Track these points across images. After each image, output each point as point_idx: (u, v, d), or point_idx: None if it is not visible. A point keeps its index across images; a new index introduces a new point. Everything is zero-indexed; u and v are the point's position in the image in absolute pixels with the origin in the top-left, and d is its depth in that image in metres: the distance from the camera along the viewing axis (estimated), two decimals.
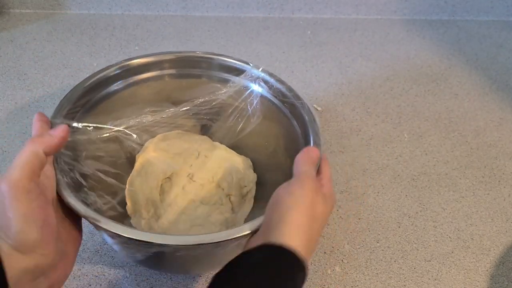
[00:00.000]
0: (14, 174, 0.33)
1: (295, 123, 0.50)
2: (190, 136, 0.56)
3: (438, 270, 0.52)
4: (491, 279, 0.51)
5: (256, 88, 0.52)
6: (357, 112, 0.71)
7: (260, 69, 0.52)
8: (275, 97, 0.52)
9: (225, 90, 0.52)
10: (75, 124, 0.45)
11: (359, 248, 0.53)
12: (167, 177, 0.51)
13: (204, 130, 0.57)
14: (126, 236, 0.36)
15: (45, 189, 0.36)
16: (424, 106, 0.73)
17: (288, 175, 0.40)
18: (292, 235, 0.34)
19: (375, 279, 0.51)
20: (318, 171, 0.41)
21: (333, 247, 0.53)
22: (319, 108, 0.71)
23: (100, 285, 0.48)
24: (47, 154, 0.36)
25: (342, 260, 0.52)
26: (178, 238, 0.38)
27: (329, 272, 0.51)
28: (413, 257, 0.53)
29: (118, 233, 0.36)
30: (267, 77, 0.52)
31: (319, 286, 0.50)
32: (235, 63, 0.53)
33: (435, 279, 0.51)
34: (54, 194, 0.38)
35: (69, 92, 0.48)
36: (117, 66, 0.53)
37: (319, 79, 0.76)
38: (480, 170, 0.64)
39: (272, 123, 0.52)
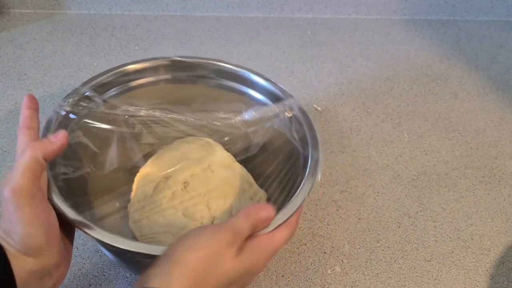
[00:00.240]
0: (16, 180, 0.33)
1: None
2: (202, 143, 0.54)
3: (438, 270, 0.52)
4: (491, 279, 0.51)
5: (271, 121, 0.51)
6: (357, 112, 0.71)
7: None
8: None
9: (241, 118, 0.52)
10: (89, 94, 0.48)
11: (359, 248, 0.53)
12: (166, 177, 0.51)
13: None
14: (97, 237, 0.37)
15: (45, 192, 0.37)
16: (424, 106, 0.73)
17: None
18: (175, 274, 0.31)
19: (375, 279, 0.51)
20: (278, 228, 0.37)
21: (333, 247, 0.53)
22: (319, 108, 0.71)
23: (100, 285, 0.48)
24: (46, 160, 0.36)
25: (342, 260, 0.52)
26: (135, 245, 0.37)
27: (329, 272, 0.51)
28: (413, 257, 0.53)
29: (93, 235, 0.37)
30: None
31: (319, 286, 0.50)
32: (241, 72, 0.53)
33: (435, 279, 0.51)
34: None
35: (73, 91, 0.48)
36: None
37: (319, 79, 0.76)
38: (480, 170, 0.64)
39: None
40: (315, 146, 0.45)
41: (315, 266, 0.51)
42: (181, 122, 0.53)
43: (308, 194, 0.41)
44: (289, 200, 0.41)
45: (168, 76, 0.54)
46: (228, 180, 0.50)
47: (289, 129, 0.49)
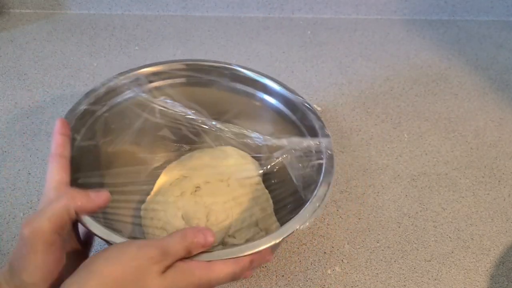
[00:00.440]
0: (40, 223, 0.32)
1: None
2: (238, 156, 0.54)
3: (438, 270, 0.52)
4: (491, 279, 0.51)
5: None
6: (357, 112, 0.71)
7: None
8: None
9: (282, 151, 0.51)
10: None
11: (359, 248, 0.53)
12: (184, 176, 0.52)
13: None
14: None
15: (64, 242, 0.35)
16: (424, 106, 0.73)
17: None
18: (90, 285, 0.30)
19: (375, 279, 0.51)
20: (222, 261, 0.35)
21: (333, 247, 0.53)
22: (319, 108, 0.71)
23: None
24: (78, 214, 0.35)
25: (342, 260, 0.52)
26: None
27: (329, 272, 0.51)
28: (413, 257, 0.53)
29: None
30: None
31: (319, 286, 0.50)
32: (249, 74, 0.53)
33: (435, 279, 0.51)
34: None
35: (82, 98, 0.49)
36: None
37: (319, 79, 0.76)
38: (480, 170, 0.64)
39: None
40: (320, 198, 0.41)
41: (315, 266, 0.51)
42: (209, 128, 0.52)
43: (283, 239, 0.38)
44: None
45: (183, 80, 0.54)
46: (239, 200, 0.49)
47: (298, 170, 0.49)
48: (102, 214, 0.44)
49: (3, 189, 0.55)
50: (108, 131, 0.50)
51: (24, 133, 0.63)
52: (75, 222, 0.37)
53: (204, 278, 0.33)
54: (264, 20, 0.89)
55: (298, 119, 0.51)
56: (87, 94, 0.48)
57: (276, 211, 0.51)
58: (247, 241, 0.46)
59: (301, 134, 0.50)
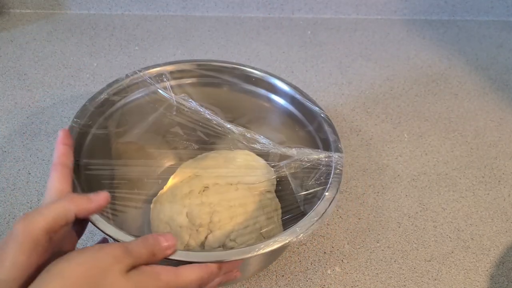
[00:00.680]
0: (35, 221, 0.32)
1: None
2: (253, 161, 0.53)
3: (438, 270, 0.52)
4: (491, 279, 0.51)
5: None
6: (357, 112, 0.71)
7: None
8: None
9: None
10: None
11: (359, 248, 0.53)
12: (196, 175, 0.52)
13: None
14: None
15: (54, 249, 0.34)
16: (424, 106, 0.73)
17: None
18: (53, 286, 0.29)
19: (375, 279, 0.51)
20: (190, 266, 0.35)
21: (333, 247, 0.53)
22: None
23: None
24: (77, 217, 0.34)
25: (342, 260, 0.52)
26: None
27: (329, 272, 0.51)
28: (413, 257, 0.53)
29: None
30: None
31: (319, 286, 0.50)
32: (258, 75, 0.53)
33: (435, 279, 0.51)
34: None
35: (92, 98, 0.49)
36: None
37: (319, 79, 0.76)
38: (480, 170, 0.64)
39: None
40: (319, 213, 0.40)
41: (315, 266, 0.51)
42: (223, 130, 0.52)
43: (253, 256, 0.36)
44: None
45: (205, 80, 0.54)
46: (245, 205, 0.49)
47: (300, 181, 0.48)
48: (110, 205, 0.45)
49: (3, 189, 0.55)
50: (123, 122, 0.51)
51: (24, 133, 0.63)
52: (75, 236, 0.38)
53: (172, 282, 0.33)
54: (264, 20, 0.89)
55: (314, 129, 0.50)
56: (110, 84, 0.49)
57: (283, 220, 0.51)
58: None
59: (314, 145, 0.49)
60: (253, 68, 0.54)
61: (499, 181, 0.62)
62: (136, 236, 0.36)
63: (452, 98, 0.75)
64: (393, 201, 0.59)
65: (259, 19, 0.89)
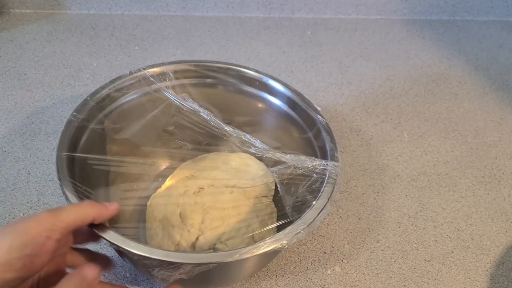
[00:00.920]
0: (61, 215, 0.33)
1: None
2: (251, 165, 0.53)
3: (438, 270, 0.52)
4: (491, 279, 0.51)
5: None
6: (357, 112, 0.71)
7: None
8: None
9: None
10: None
11: (359, 248, 0.53)
12: (193, 175, 0.52)
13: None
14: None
15: (57, 251, 0.35)
16: (424, 106, 0.73)
17: None
18: None
19: (375, 279, 0.51)
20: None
21: (333, 247, 0.53)
22: (319, 108, 0.70)
23: None
24: (93, 222, 0.36)
25: (342, 260, 0.52)
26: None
27: (329, 272, 0.51)
28: (413, 257, 0.53)
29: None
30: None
31: (319, 286, 0.50)
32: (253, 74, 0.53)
33: (435, 279, 0.51)
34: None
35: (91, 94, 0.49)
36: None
37: (319, 79, 0.76)
38: (480, 170, 0.64)
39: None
40: (306, 222, 0.39)
41: (315, 266, 0.51)
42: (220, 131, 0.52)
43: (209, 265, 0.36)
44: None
45: (193, 81, 0.54)
46: (238, 208, 0.48)
47: (289, 188, 0.48)
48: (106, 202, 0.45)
49: (3, 189, 0.55)
50: (120, 119, 0.51)
51: (24, 133, 0.63)
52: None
53: None
54: (264, 20, 0.89)
55: (313, 135, 0.50)
56: (112, 80, 0.50)
57: (279, 226, 0.50)
58: None
59: (312, 152, 0.49)
60: (256, 71, 0.54)
61: (499, 181, 0.62)
62: (133, 237, 0.36)
63: (452, 98, 0.75)
64: (393, 201, 0.59)
65: (259, 19, 0.89)
